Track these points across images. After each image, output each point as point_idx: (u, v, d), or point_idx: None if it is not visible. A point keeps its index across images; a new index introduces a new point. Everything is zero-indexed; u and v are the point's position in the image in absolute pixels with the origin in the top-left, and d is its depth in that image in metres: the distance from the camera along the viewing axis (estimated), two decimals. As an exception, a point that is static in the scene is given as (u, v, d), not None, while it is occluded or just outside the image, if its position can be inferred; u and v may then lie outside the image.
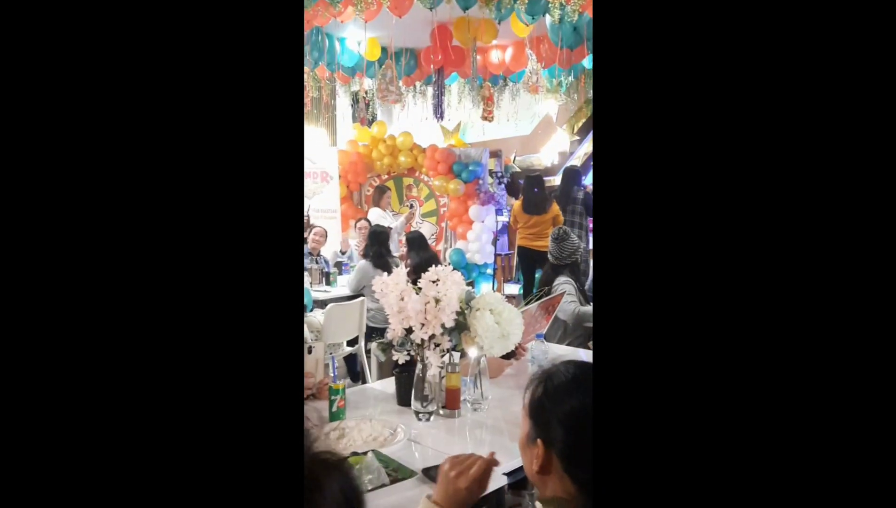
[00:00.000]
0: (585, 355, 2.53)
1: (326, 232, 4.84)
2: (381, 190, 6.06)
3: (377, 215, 5.62)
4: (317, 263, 4.60)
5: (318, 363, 1.87)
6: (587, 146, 6.83)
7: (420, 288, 1.68)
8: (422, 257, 3.88)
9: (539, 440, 0.86)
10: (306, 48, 4.77)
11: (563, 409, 0.84)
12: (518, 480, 1.39)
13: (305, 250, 4.61)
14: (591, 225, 5.60)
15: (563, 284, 3.05)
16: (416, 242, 4.09)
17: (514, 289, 6.49)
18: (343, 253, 5.25)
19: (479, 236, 6.24)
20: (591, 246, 4.91)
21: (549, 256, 3.26)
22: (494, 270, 6.45)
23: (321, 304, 3.83)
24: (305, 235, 4.70)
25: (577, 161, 6.77)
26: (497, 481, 1.28)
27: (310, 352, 1.85)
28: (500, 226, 6.35)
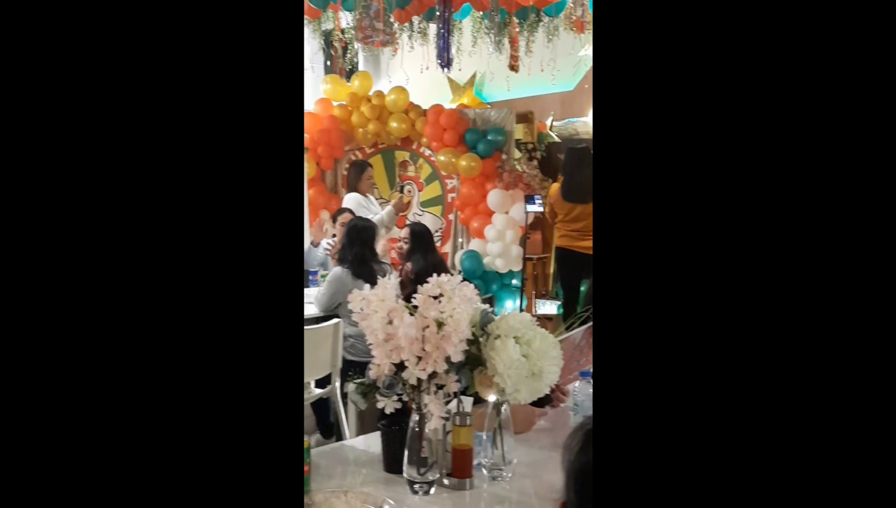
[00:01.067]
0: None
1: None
2: (358, 167, 5.98)
3: (355, 203, 5.55)
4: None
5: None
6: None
7: (416, 307, 1.68)
8: (427, 260, 3.86)
9: None
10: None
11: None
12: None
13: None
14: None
15: None
16: (421, 238, 4.08)
17: (551, 308, 6.49)
18: (315, 245, 5.23)
19: (503, 233, 6.24)
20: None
21: None
22: (523, 281, 6.44)
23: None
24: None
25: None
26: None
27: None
28: (531, 219, 6.35)
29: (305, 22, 5.93)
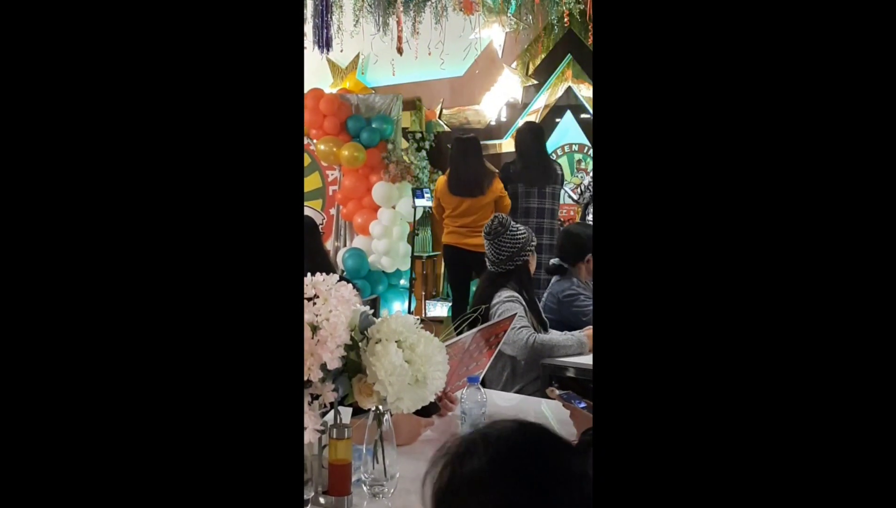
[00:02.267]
0: (546, 407, 2.57)
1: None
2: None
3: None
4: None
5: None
6: (548, 95, 6.97)
7: (289, 310, 1.65)
8: (313, 259, 3.80)
9: None
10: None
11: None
12: None
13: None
14: (563, 211, 5.73)
15: (508, 301, 3.07)
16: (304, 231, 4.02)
17: (441, 310, 6.54)
18: None
19: (389, 229, 6.25)
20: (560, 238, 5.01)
21: (486, 259, 3.29)
22: (412, 280, 6.47)
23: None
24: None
25: (534, 116, 6.90)
26: None
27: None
28: (420, 214, 6.38)
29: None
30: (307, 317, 1.63)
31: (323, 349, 1.61)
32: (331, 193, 6.63)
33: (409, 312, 6.00)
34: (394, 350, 1.68)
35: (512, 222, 3.25)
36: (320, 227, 6.52)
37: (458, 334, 2.29)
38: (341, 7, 5.71)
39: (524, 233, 3.24)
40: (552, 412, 2.41)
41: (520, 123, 6.67)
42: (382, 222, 6.23)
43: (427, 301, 6.82)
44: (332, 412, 1.68)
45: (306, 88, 6.35)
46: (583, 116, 6.82)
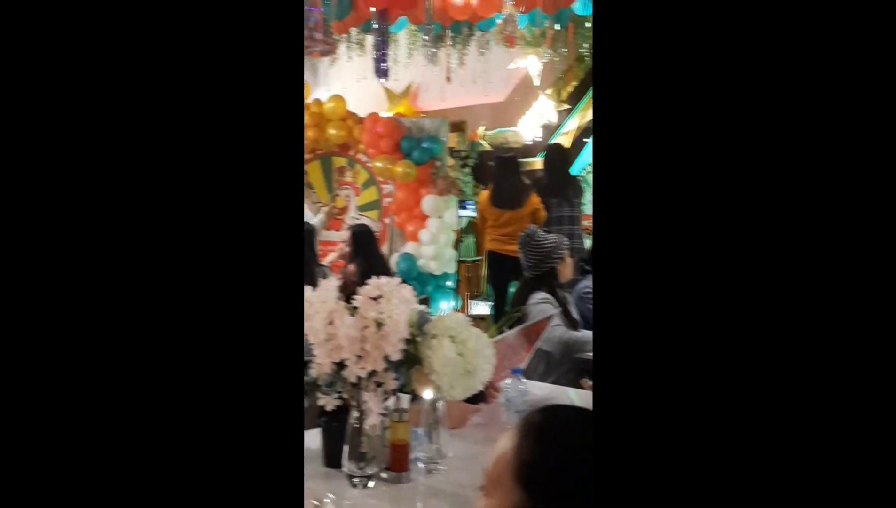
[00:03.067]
0: (575, 396, 2.56)
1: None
2: (299, 174, 6.03)
3: (296, 208, 5.57)
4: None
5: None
6: (580, 118, 6.93)
7: (356, 308, 1.67)
8: (364, 262, 3.78)
9: None
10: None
11: (575, 472, 0.84)
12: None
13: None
14: (587, 222, 5.70)
15: (542, 303, 3.07)
16: (363, 238, 3.99)
17: (483, 308, 6.52)
18: None
19: (437, 236, 6.25)
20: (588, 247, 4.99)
21: (521, 266, 3.30)
22: (457, 282, 6.47)
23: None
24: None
25: (565, 138, 6.86)
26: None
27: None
28: (464, 224, 6.39)
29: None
30: (373, 314, 1.65)
31: (386, 343, 1.63)
32: (385, 204, 6.66)
33: (456, 310, 6.00)
34: (448, 345, 1.69)
35: (539, 233, 3.26)
36: (375, 234, 6.57)
37: (500, 331, 2.30)
38: (396, 41, 5.76)
39: (551, 242, 3.22)
40: (580, 400, 2.42)
41: (551, 142, 6.65)
42: (431, 231, 6.24)
43: (470, 301, 6.81)
44: (392, 399, 1.69)
45: (365, 112, 6.40)
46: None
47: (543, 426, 0.89)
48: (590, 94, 6.78)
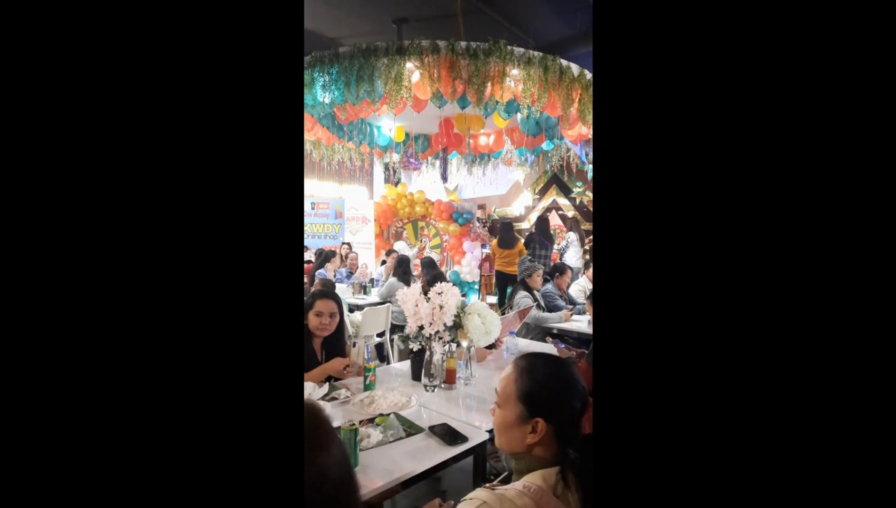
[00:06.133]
0: (541, 346, 2.49)
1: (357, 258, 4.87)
2: (399, 230, 6.11)
3: (401, 247, 5.69)
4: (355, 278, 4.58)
5: (360, 353, 1.85)
6: (544, 201, 6.87)
7: (430, 298, 1.66)
8: (432, 274, 3.88)
9: (539, 420, 0.78)
10: (353, 132, 4.82)
11: (552, 393, 0.79)
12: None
13: (346, 271, 4.58)
14: (549, 253, 5.64)
15: (524, 297, 3.08)
16: (429, 264, 4.09)
17: (493, 300, 6.43)
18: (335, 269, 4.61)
19: (470, 262, 6.22)
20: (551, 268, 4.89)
21: (517, 276, 3.31)
22: (480, 286, 6.41)
23: (359, 307, 3.80)
24: (350, 260, 4.70)
25: (537, 212, 6.78)
26: (482, 436, 1.26)
27: (354, 345, 1.83)
28: (483, 256, 6.34)
29: (375, 158, 5.83)
30: (437, 301, 1.63)
31: (445, 316, 1.61)
32: (444, 245, 6.66)
33: (480, 300, 5.92)
34: (476, 318, 1.67)
35: (526, 260, 3.34)
36: (439, 262, 6.56)
37: (503, 314, 2.26)
38: (452, 164, 5.80)
39: (528, 265, 3.24)
40: (545, 349, 2.33)
41: (532, 216, 6.57)
42: (467, 259, 6.22)
43: (486, 296, 6.72)
44: (448, 345, 1.66)
45: (435, 198, 6.41)
46: (560, 212, 6.67)
47: (527, 365, 0.85)
48: (549, 189, 6.68)
